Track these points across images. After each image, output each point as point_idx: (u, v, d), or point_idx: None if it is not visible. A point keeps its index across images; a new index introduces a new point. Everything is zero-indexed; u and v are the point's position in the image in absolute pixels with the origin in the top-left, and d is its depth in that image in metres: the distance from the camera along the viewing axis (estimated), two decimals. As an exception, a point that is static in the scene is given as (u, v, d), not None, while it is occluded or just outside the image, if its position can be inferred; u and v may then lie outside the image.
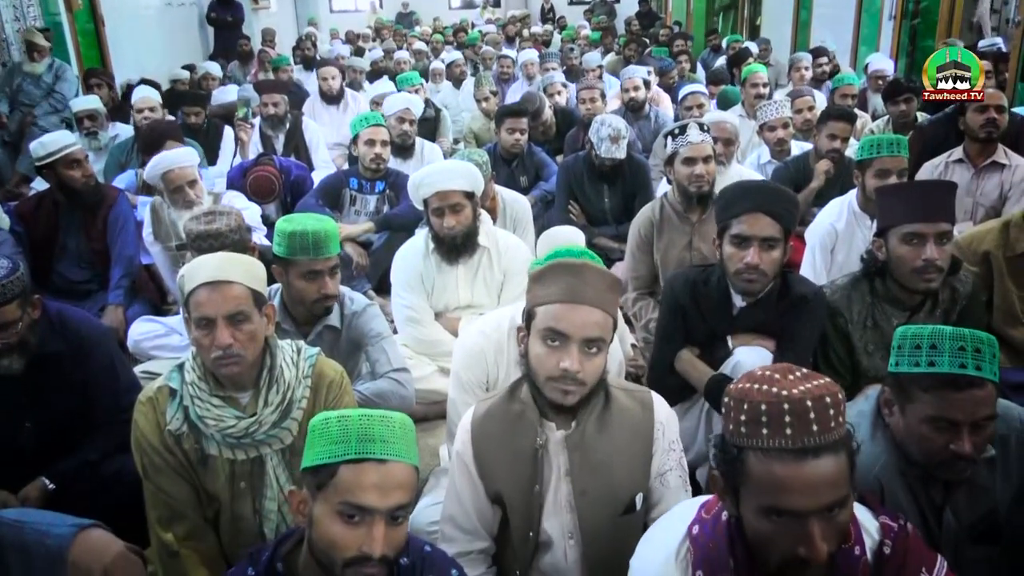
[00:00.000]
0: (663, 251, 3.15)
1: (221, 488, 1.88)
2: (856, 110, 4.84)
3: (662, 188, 3.63)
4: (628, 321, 3.18)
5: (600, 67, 7.32)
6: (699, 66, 8.98)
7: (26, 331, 2.13)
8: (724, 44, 9.36)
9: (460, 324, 3.03)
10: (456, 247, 2.96)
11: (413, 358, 2.96)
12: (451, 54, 8.78)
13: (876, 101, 5.57)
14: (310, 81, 7.78)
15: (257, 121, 5.59)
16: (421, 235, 3.11)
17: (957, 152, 3.71)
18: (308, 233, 2.36)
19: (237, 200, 3.78)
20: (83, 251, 3.75)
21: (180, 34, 10.03)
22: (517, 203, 3.78)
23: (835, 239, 3.08)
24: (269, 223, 3.94)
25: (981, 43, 6.00)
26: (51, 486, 2.20)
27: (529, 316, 1.66)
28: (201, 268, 1.82)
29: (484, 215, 3.10)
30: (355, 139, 4.21)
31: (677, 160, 3.09)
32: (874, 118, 5.27)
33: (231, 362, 1.78)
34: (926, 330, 1.54)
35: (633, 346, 3.17)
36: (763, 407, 1.20)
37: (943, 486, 1.62)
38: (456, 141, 6.34)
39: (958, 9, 6.67)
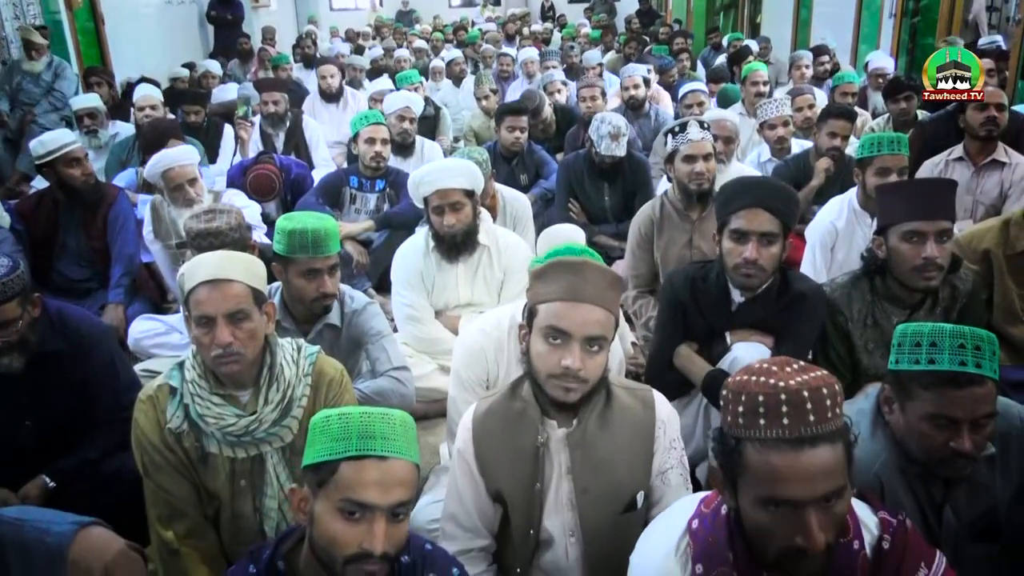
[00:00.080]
0: (663, 249, 3.15)
1: (221, 486, 1.88)
2: (856, 108, 4.82)
3: (662, 186, 3.63)
4: (628, 319, 3.18)
5: (600, 65, 7.31)
6: (699, 64, 8.97)
7: (26, 329, 2.13)
8: (724, 42, 9.35)
9: (460, 322, 3.03)
10: (456, 245, 2.96)
11: (413, 356, 2.97)
12: (451, 52, 8.78)
13: (876, 99, 5.57)
14: (310, 79, 7.76)
15: (257, 119, 5.59)
16: (421, 233, 3.11)
17: (957, 150, 3.71)
18: (308, 231, 2.35)
19: (237, 198, 3.78)
20: (83, 249, 3.75)
21: (180, 32, 10.02)
22: (517, 201, 3.77)
23: (835, 237, 3.08)
24: (269, 221, 3.94)
25: (981, 41, 6.00)
26: (51, 484, 2.20)
27: (531, 314, 1.66)
28: (201, 266, 1.82)
29: (484, 213, 3.10)
30: (355, 137, 4.20)
31: (677, 158, 3.10)
32: (874, 116, 5.27)
33: (231, 360, 1.78)
34: (926, 328, 1.54)
35: (633, 344, 3.17)
36: (760, 398, 1.20)
37: (943, 484, 1.63)
38: (456, 139, 6.34)
39: (958, 7, 6.67)
